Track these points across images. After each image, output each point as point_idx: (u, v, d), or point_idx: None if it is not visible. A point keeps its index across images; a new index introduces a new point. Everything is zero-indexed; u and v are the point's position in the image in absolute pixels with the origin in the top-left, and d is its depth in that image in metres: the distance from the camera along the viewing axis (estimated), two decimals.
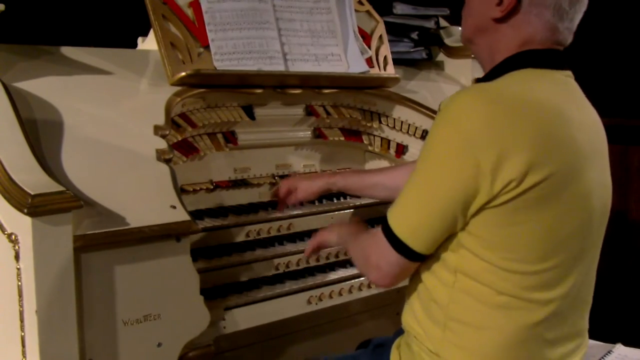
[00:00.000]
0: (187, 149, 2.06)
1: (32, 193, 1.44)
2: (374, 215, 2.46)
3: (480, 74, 2.83)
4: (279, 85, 2.27)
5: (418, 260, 1.52)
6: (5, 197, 1.48)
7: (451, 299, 1.50)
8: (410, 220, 1.48)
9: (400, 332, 1.74)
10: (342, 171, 2.43)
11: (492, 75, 1.55)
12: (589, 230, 1.53)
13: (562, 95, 1.51)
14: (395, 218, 1.51)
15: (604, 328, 2.17)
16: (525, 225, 1.42)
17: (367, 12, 2.54)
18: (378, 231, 1.54)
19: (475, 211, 1.42)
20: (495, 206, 1.40)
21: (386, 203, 2.45)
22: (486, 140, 1.37)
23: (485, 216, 1.42)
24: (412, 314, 1.60)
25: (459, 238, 1.47)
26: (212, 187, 2.20)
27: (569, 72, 1.58)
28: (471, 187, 1.39)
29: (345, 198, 2.45)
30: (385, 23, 2.58)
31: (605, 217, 1.59)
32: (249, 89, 2.19)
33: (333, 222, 2.33)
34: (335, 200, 2.41)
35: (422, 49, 2.86)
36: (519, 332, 1.48)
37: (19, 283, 1.48)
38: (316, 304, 2.09)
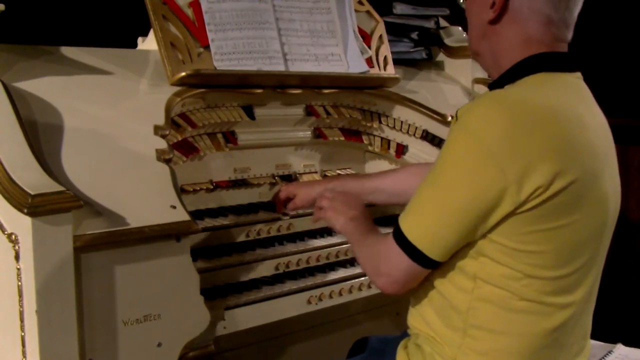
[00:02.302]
0: (187, 149, 2.06)
1: (32, 193, 1.44)
2: (375, 216, 2.46)
3: (480, 73, 2.85)
4: (279, 85, 2.27)
5: (432, 268, 1.50)
6: (5, 197, 1.48)
7: (470, 305, 1.49)
8: (426, 228, 1.46)
9: (404, 335, 1.73)
10: (341, 176, 2.42)
11: (504, 80, 1.55)
12: (604, 233, 1.53)
13: (576, 99, 1.51)
14: (410, 225, 1.48)
15: (605, 328, 2.17)
16: (547, 231, 1.42)
17: (367, 12, 2.54)
18: (389, 239, 1.52)
19: (499, 219, 1.41)
20: (522, 212, 1.39)
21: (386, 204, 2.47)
22: (510, 152, 1.37)
23: (511, 224, 1.41)
24: (423, 320, 1.59)
25: (479, 246, 1.46)
26: (212, 187, 2.19)
27: (579, 74, 1.57)
28: (494, 196, 1.38)
29: None
30: (385, 23, 2.58)
31: (615, 220, 1.59)
32: (249, 89, 2.19)
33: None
34: None
35: (422, 49, 2.86)
36: (539, 337, 1.48)
37: (19, 283, 1.48)
38: (316, 304, 2.09)
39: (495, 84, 1.57)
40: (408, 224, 1.49)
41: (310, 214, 2.29)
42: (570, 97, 1.50)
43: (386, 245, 1.53)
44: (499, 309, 1.47)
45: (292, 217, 2.24)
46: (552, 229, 1.41)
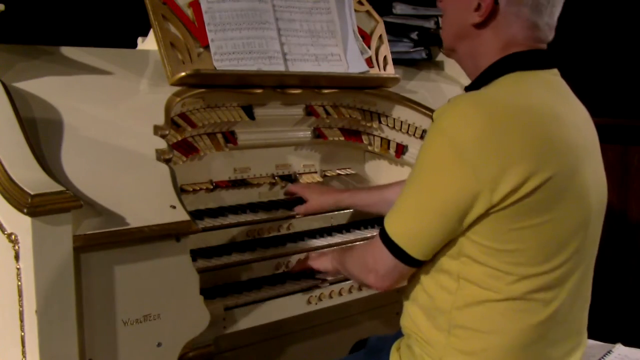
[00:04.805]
0: (187, 149, 2.06)
1: (32, 193, 1.44)
2: (372, 216, 2.46)
3: None
4: (279, 85, 2.27)
5: (415, 266, 1.53)
6: (5, 197, 1.48)
7: (454, 305, 1.50)
8: (407, 228, 1.50)
9: (399, 334, 1.73)
10: (350, 189, 2.45)
11: (480, 81, 1.55)
12: (588, 227, 1.53)
13: (553, 96, 1.52)
14: (392, 224, 1.52)
15: (604, 328, 2.17)
16: (527, 229, 1.42)
17: (367, 12, 2.55)
18: (376, 238, 1.56)
19: (475, 219, 1.42)
20: (496, 212, 1.41)
21: None
22: (483, 155, 1.38)
23: (487, 223, 1.42)
24: (412, 320, 1.60)
25: (460, 246, 1.47)
26: (212, 187, 2.20)
27: (556, 71, 1.58)
28: (468, 198, 1.40)
29: None
30: (385, 23, 2.58)
31: (602, 214, 1.60)
32: (249, 89, 2.19)
33: (333, 222, 2.34)
34: None
35: (421, 49, 2.87)
36: (523, 334, 1.49)
37: (19, 283, 1.48)
38: (316, 304, 2.09)
39: (471, 87, 1.58)
40: (391, 224, 1.53)
41: (310, 214, 2.30)
42: (546, 94, 1.50)
43: (373, 244, 1.57)
44: (483, 308, 1.48)
45: (292, 217, 2.24)
46: (531, 226, 1.42)
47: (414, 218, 1.48)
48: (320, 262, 1.97)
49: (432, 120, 1.47)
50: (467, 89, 1.59)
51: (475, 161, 1.38)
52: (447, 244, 1.49)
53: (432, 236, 1.47)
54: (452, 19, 1.61)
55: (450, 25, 1.62)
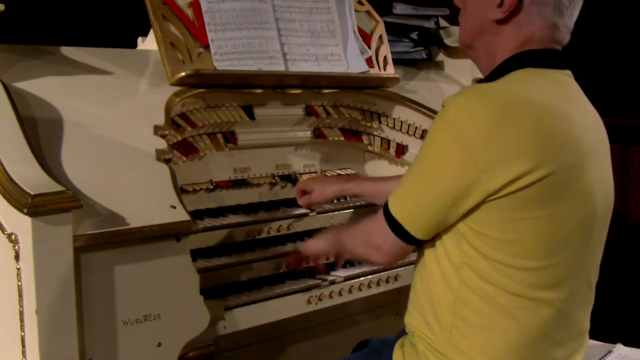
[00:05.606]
0: (187, 149, 2.06)
1: (32, 193, 1.44)
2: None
3: (480, 73, 2.85)
4: (279, 85, 2.27)
5: (415, 244, 1.57)
6: (5, 197, 1.48)
7: (457, 299, 1.51)
8: (408, 207, 1.54)
9: (402, 333, 1.74)
10: (356, 178, 2.45)
11: (493, 76, 1.57)
12: (592, 228, 1.53)
13: (562, 94, 1.52)
14: (395, 203, 1.56)
15: (604, 328, 2.17)
16: (527, 221, 1.43)
17: (367, 12, 2.55)
18: (379, 214, 1.59)
19: (474, 205, 1.44)
20: (493, 200, 1.42)
21: None
22: (485, 143, 1.40)
23: (486, 211, 1.44)
24: (418, 316, 1.60)
25: (463, 236, 1.48)
26: (212, 187, 2.20)
27: (569, 72, 1.59)
28: (466, 184, 1.42)
29: (345, 198, 2.45)
30: (385, 23, 2.58)
31: (607, 215, 1.60)
32: (249, 89, 2.19)
33: (333, 222, 2.34)
34: (335, 201, 2.41)
35: (422, 49, 2.87)
36: (526, 333, 1.49)
37: (19, 283, 1.48)
38: (316, 304, 2.09)
39: (484, 81, 1.58)
40: (394, 202, 1.56)
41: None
42: (554, 92, 1.51)
43: (376, 221, 1.60)
44: (485, 303, 1.48)
45: (292, 217, 2.24)
46: (531, 218, 1.43)
47: (414, 197, 1.52)
48: (313, 246, 1.96)
49: (442, 106, 1.48)
50: (480, 82, 1.61)
51: (475, 149, 1.40)
52: (451, 237, 1.50)
53: (429, 217, 1.50)
54: (472, 14, 1.61)
55: (470, 20, 1.62)
